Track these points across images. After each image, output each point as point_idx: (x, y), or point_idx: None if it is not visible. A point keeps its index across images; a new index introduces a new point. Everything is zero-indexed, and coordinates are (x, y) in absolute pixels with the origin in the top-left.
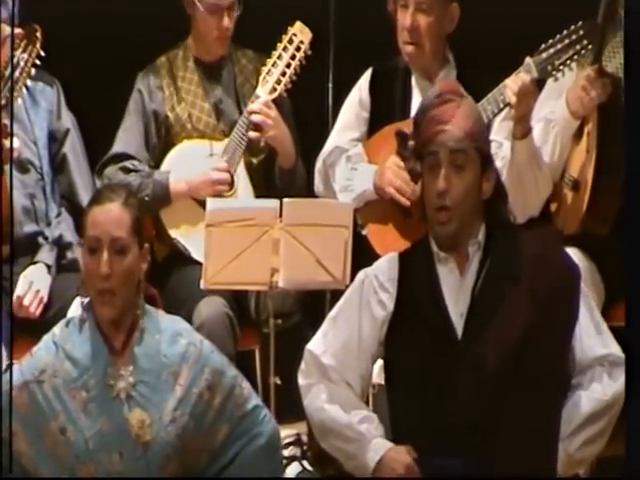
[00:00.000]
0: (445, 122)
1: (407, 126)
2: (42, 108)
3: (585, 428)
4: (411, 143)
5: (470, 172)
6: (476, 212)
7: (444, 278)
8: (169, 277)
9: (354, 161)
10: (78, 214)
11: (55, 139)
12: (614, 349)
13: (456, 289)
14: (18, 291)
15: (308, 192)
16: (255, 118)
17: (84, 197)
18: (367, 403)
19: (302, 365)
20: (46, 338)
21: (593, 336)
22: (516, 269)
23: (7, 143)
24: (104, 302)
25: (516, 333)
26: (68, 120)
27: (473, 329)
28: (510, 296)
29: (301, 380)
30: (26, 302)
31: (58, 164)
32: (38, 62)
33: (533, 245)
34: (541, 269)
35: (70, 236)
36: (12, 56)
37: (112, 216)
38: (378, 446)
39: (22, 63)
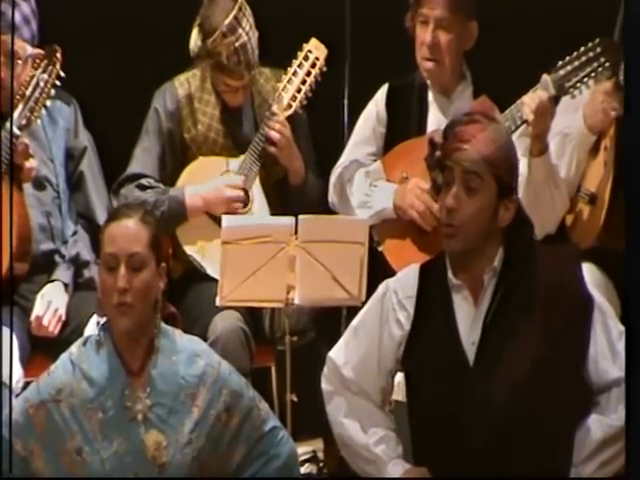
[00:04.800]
0: (465, 141)
1: (437, 136)
2: (60, 126)
3: (599, 454)
4: (438, 153)
5: (482, 197)
6: (490, 238)
7: (458, 305)
8: (185, 294)
9: (373, 177)
10: (95, 232)
11: (72, 157)
12: None
13: (469, 317)
14: (37, 311)
15: (321, 207)
16: (271, 134)
17: (100, 215)
18: None
19: (325, 370)
20: (63, 357)
21: (609, 358)
22: (530, 300)
23: (26, 163)
24: (121, 313)
25: (525, 365)
26: (85, 138)
27: (485, 358)
28: (521, 327)
29: (324, 385)
30: (45, 322)
31: (75, 182)
32: (58, 82)
33: (549, 272)
34: (555, 302)
35: (87, 254)
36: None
37: (129, 232)
38: (394, 470)
39: (42, 83)
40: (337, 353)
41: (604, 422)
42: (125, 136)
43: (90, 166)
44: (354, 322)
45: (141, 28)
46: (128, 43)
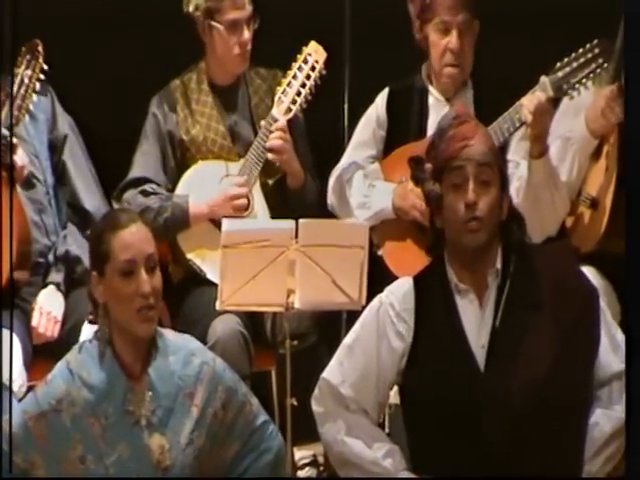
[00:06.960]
0: (469, 138)
1: (421, 148)
2: (40, 121)
3: (606, 448)
4: (428, 165)
5: (494, 188)
6: (495, 235)
7: (463, 310)
8: (185, 299)
9: (371, 178)
10: (83, 219)
11: (55, 148)
12: None
13: (476, 320)
14: (33, 322)
15: (320, 209)
16: (273, 143)
17: (87, 200)
18: (383, 424)
19: (316, 391)
20: (60, 366)
21: (610, 352)
22: (536, 297)
23: (18, 161)
24: (146, 319)
25: (543, 364)
26: (65, 125)
27: (496, 361)
28: (533, 326)
29: (315, 407)
30: (41, 330)
31: (59, 173)
32: (42, 76)
33: (550, 267)
34: (562, 295)
35: (76, 249)
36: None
37: (140, 235)
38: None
39: (26, 80)
40: (331, 373)
41: (610, 415)
42: (124, 140)
43: (72, 153)
44: (347, 340)
45: (139, 30)
46: (125, 39)
